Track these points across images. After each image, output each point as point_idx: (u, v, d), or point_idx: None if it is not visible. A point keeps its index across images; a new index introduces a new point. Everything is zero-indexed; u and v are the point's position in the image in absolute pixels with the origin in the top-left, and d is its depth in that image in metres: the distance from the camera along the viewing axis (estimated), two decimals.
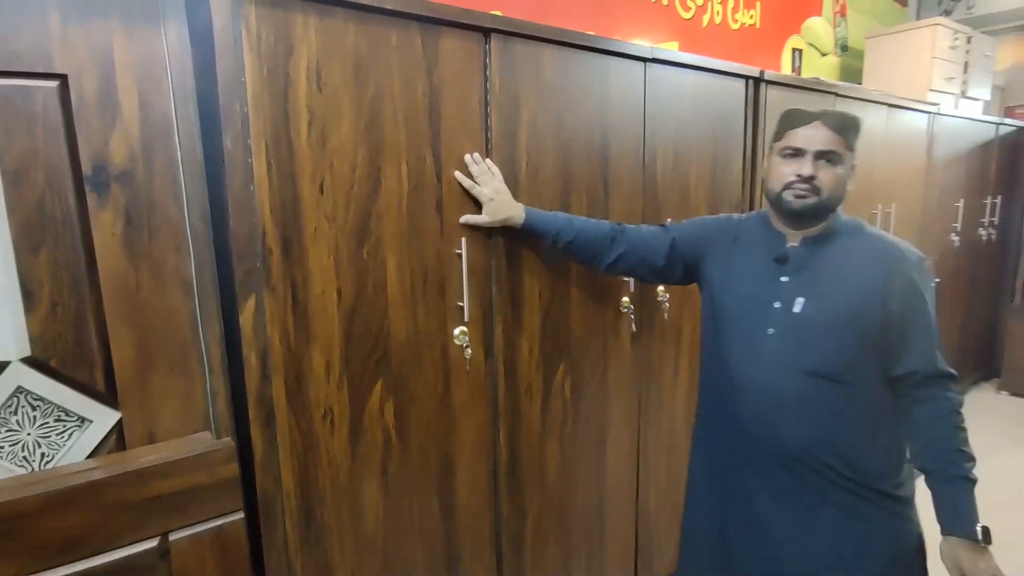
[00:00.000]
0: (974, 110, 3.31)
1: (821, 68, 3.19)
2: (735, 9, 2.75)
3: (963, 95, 3.20)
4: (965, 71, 3.15)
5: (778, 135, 1.18)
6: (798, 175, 1.13)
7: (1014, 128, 3.58)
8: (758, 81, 1.89)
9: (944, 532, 1.09)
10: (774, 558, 1.20)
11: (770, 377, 1.18)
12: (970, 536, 1.06)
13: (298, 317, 1.08)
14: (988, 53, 3.35)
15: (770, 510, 1.20)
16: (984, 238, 3.38)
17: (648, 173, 1.62)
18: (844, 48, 3.36)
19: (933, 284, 1.18)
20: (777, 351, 1.17)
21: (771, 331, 1.17)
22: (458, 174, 1.26)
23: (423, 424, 1.27)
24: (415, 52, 1.17)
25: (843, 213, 1.20)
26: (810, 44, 3.13)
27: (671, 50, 1.60)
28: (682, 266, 1.38)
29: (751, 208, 1.96)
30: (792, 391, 1.15)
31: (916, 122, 2.75)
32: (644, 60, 1.56)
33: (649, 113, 1.60)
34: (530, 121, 1.36)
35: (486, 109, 1.28)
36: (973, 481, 1.09)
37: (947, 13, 3.74)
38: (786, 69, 3.04)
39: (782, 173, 1.15)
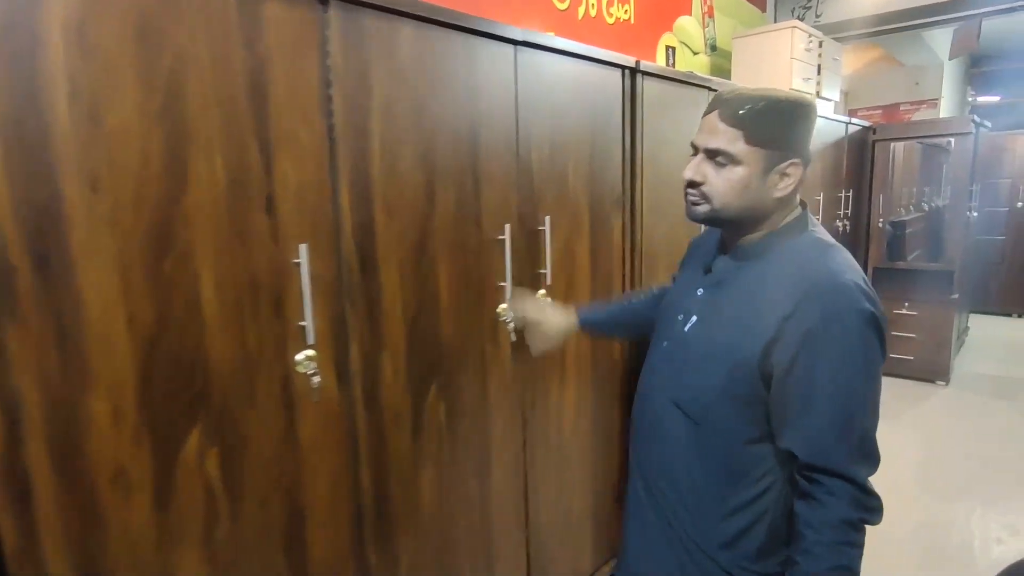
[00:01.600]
0: (827, 109, 3.53)
1: (694, 66, 3.26)
2: (610, 3, 2.71)
3: (818, 95, 3.40)
4: (819, 73, 3.35)
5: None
6: (684, 179, 0.99)
7: (860, 127, 3.89)
8: (634, 72, 1.82)
9: None
10: (627, 565, 1.17)
11: (647, 389, 1.11)
12: None
13: (65, 355, 0.82)
14: (836, 57, 3.59)
15: (635, 518, 1.14)
16: (840, 228, 3.62)
17: (523, 166, 1.49)
18: (713, 48, 3.46)
19: (870, 344, 0.87)
20: (660, 366, 1.09)
21: (665, 343, 1.09)
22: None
23: (260, 472, 1.04)
24: (227, 17, 0.93)
25: (812, 223, 0.99)
26: (682, 42, 3.18)
27: (543, 35, 1.48)
28: None
29: (631, 208, 1.89)
30: (655, 411, 1.07)
31: None
32: (515, 43, 1.42)
33: (522, 102, 1.46)
34: (384, 106, 1.16)
35: (327, 91, 1.07)
36: None
37: (800, 19, 3.99)
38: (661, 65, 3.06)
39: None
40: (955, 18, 3.91)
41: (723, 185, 0.94)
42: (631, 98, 1.83)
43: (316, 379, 1.08)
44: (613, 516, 1.98)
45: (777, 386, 0.90)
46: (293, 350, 1.06)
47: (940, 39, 5.12)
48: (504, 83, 1.41)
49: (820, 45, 3.36)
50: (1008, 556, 2.29)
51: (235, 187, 0.96)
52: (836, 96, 3.65)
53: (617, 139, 1.80)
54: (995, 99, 6.96)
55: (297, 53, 1.03)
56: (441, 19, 1.23)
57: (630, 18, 2.83)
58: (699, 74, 2.17)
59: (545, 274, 1.57)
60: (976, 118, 3.91)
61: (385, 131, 1.17)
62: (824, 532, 0.86)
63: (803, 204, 1.02)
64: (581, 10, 2.57)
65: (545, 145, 1.55)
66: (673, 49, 3.10)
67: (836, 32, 3.97)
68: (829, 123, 3.38)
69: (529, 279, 1.54)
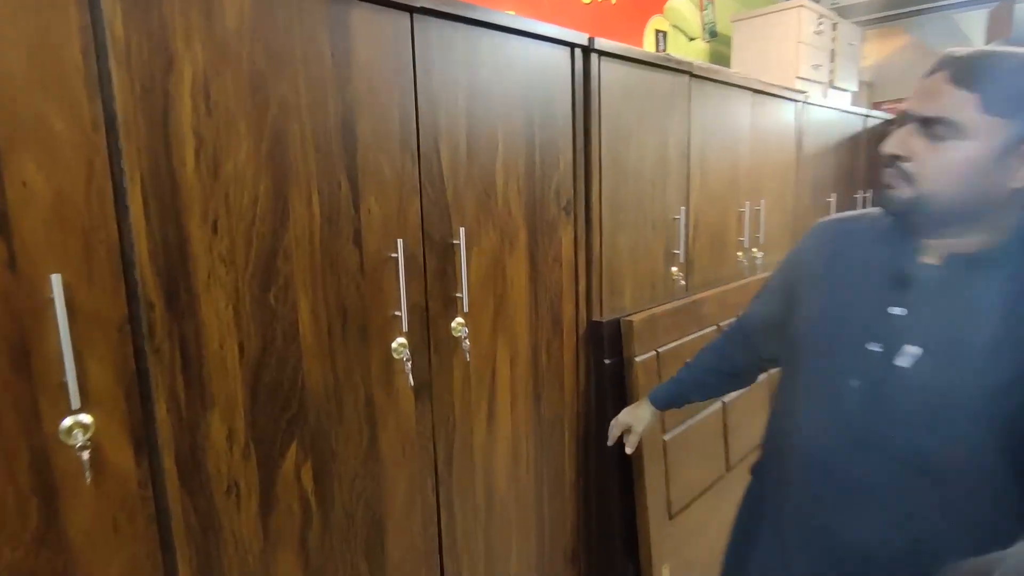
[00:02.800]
0: (843, 101, 3.15)
1: (690, 53, 2.92)
2: None
3: (831, 85, 3.03)
4: (832, 60, 2.98)
5: None
6: (884, 153, 0.76)
7: (882, 120, 3.49)
8: (587, 51, 1.51)
9: None
10: None
11: (841, 452, 0.82)
12: None
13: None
14: (854, 42, 3.21)
15: None
16: None
17: (427, 165, 1.19)
18: (713, 34, 3.11)
19: None
20: (858, 416, 0.80)
21: (855, 383, 0.81)
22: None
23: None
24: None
25: None
26: (675, 26, 2.84)
27: (455, 2, 1.18)
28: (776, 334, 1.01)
29: (586, 214, 1.58)
30: (873, 479, 0.80)
31: (784, 111, 2.51)
32: (411, 10, 1.12)
33: (424, 85, 1.16)
34: (199, 86, 0.88)
35: (106, 65, 0.79)
36: None
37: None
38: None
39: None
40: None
41: (940, 164, 0.70)
42: (584, 83, 1.52)
43: (86, 455, 0.80)
44: (566, 572, 1.67)
45: None
46: (52, 417, 0.78)
47: (975, 23, 4.65)
48: (395, 60, 1.11)
49: (835, 28, 2.99)
50: None
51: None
52: (853, 86, 3.28)
53: (566, 132, 1.49)
54: None
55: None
56: None
57: None
58: (677, 56, 1.85)
59: (461, 298, 1.27)
60: None
61: (201, 120, 0.88)
62: None
63: None
64: None
65: (460, 140, 1.25)
66: (664, 34, 2.76)
67: (855, 15, 3.58)
68: (843, 116, 3.00)
69: (441, 306, 1.25)
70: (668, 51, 2.76)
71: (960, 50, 0.71)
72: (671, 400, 1.35)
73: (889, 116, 3.62)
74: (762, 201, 2.35)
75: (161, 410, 0.87)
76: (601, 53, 1.54)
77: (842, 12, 3.35)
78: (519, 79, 1.35)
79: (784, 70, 2.69)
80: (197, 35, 0.86)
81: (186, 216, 0.87)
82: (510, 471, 1.47)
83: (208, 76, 0.87)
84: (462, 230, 1.24)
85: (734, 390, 1.35)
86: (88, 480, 0.81)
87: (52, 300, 0.75)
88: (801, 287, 0.95)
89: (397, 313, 1.15)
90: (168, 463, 0.89)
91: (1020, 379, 0.69)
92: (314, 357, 1.04)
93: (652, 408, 1.38)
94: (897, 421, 0.78)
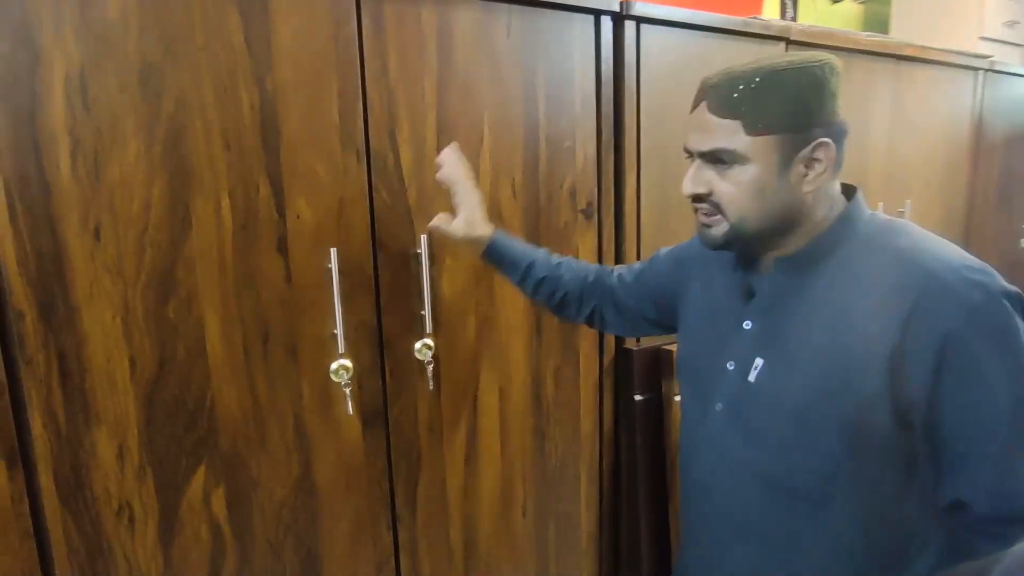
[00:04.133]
0: None
1: (832, 19, 2.38)
2: None
3: None
4: None
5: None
6: (687, 194, 0.77)
7: None
8: (619, 18, 1.23)
9: None
10: None
11: (713, 478, 0.84)
12: None
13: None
14: None
15: None
16: None
17: (379, 164, 1.03)
18: None
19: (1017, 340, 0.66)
20: (724, 438, 0.81)
21: (719, 406, 0.82)
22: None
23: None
24: None
25: (865, 212, 0.78)
26: None
27: None
28: (652, 304, 1.01)
29: (617, 212, 1.31)
30: (744, 506, 0.80)
31: (955, 84, 1.92)
32: None
33: (373, 71, 1.01)
34: (75, 73, 0.81)
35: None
36: None
37: None
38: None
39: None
40: None
41: (735, 191, 0.73)
42: (615, 58, 1.25)
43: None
44: None
45: (925, 417, 0.68)
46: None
47: None
48: (335, 43, 0.97)
49: None
50: None
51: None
52: None
53: (586, 121, 1.24)
54: None
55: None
56: None
57: None
58: (764, 19, 1.47)
59: (424, 316, 1.10)
60: None
61: (77, 119, 0.81)
62: None
63: (850, 187, 0.80)
64: None
65: (426, 134, 1.07)
66: None
67: None
68: None
69: (400, 325, 1.09)
70: (799, 19, 2.27)
71: (713, 77, 0.72)
72: (505, 251, 1.02)
73: None
74: (907, 203, 1.82)
75: (36, 424, 0.83)
76: (640, 20, 1.25)
77: None
78: (515, 59, 1.14)
79: (962, 30, 2.06)
80: (70, 27, 0.79)
81: (63, 223, 0.82)
82: (499, 517, 1.27)
83: (85, 71, 0.81)
84: (424, 238, 1.07)
85: (563, 312, 1.07)
86: None
87: None
88: (681, 298, 0.94)
89: (335, 332, 1.02)
90: (45, 480, 0.85)
91: (847, 381, 0.70)
92: (226, 377, 0.95)
93: (485, 238, 1.01)
94: (757, 441, 0.77)
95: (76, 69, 0.80)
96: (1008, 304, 0.67)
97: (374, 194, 1.04)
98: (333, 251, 0.99)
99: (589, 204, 1.27)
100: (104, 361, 0.86)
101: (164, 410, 0.91)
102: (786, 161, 0.71)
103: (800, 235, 0.76)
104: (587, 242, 1.28)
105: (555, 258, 1.06)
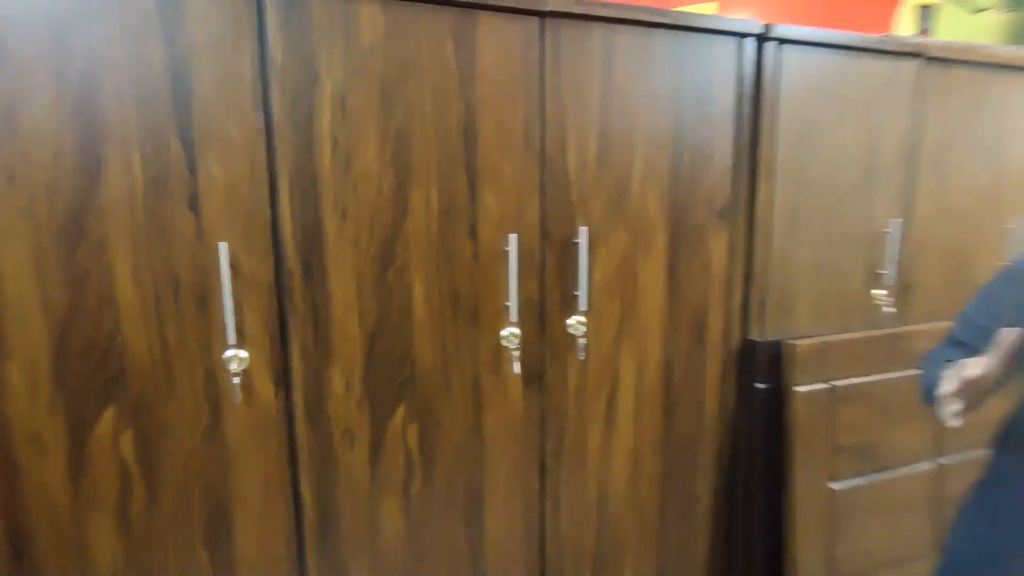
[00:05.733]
0: None
1: (972, 33, 2.34)
2: None
3: None
4: None
5: None
6: None
7: None
8: (761, 39, 1.37)
9: None
10: None
11: None
12: None
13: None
14: None
15: None
16: None
17: (551, 164, 1.23)
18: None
19: None
20: None
21: None
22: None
23: (177, 464, 1.06)
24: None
25: None
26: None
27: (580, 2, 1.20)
28: None
29: (749, 216, 1.44)
30: None
31: None
32: (540, 15, 1.18)
33: (552, 88, 1.21)
34: (337, 96, 1.07)
35: (264, 83, 1.03)
36: None
37: None
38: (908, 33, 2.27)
39: None
40: None
41: None
42: (755, 77, 1.38)
43: (236, 380, 1.06)
44: None
45: None
46: (219, 348, 1.05)
47: None
48: (523, 64, 1.18)
49: None
50: None
51: (154, 185, 0.99)
52: None
53: (724, 132, 1.38)
54: None
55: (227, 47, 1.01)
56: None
57: None
58: (902, 37, 1.54)
59: (578, 297, 1.28)
60: None
61: (338, 125, 1.07)
62: None
63: None
64: None
65: (590, 142, 1.26)
66: (928, 9, 2.27)
67: None
68: None
69: (558, 303, 1.29)
70: (939, 33, 2.26)
71: None
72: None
73: None
74: None
75: (295, 355, 1.10)
76: (782, 41, 1.38)
77: None
78: (665, 78, 1.30)
79: None
80: (337, 55, 1.05)
81: (322, 204, 1.08)
82: (629, 480, 1.43)
83: (345, 88, 1.07)
84: (584, 229, 1.26)
85: None
86: (237, 399, 1.07)
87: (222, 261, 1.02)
88: None
89: (507, 304, 1.23)
90: (297, 399, 1.12)
91: None
92: (425, 334, 1.19)
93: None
94: None
95: (339, 86, 1.06)
96: None
97: (545, 190, 1.24)
98: (513, 237, 1.20)
99: (724, 206, 1.41)
100: (342, 314, 1.12)
101: (380, 356, 1.16)
102: None
103: None
104: (720, 242, 1.42)
105: None
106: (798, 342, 1.44)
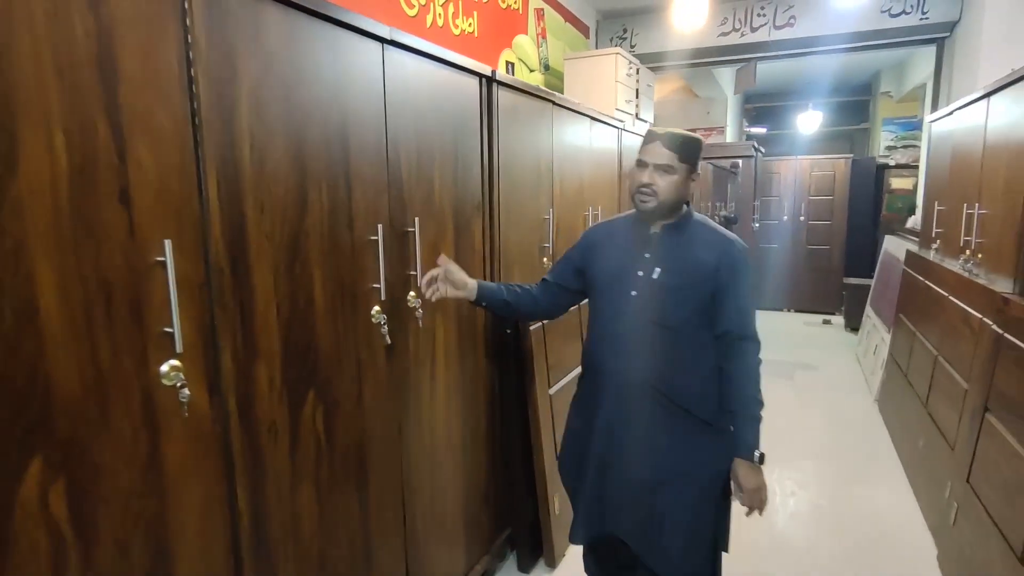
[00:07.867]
0: (643, 130, 3.95)
1: (531, 82, 3.45)
2: (455, 15, 2.77)
3: (637, 116, 3.80)
4: (637, 96, 3.75)
5: (640, 149, 1.45)
6: (640, 183, 1.44)
7: None
8: (491, 80, 1.89)
9: (734, 455, 1.45)
10: (627, 470, 1.50)
11: (628, 328, 1.49)
12: (749, 458, 1.43)
13: None
14: (650, 84, 4.05)
15: (625, 433, 1.49)
16: None
17: (393, 169, 1.47)
18: (547, 67, 3.69)
19: (749, 268, 1.50)
20: (636, 307, 1.47)
21: (633, 293, 1.48)
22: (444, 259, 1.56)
23: (114, 511, 0.89)
24: None
25: (695, 212, 1.53)
26: (520, 59, 3.35)
27: (412, 36, 1.48)
28: (574, 274, 1.64)
29: (489, 213, 1.96)
30: (643, 337, 1.47)
31: (610, 135, 3.15)
32: (383, 41, 1.40)
33: (390, 103, 1.44)
34: (252, 93, 1.08)
35: (189, 71, 0.97)
36: (759, 420, 1.44)
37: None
38: None
39: (634, 179, 1.46)
40: (737, 60, 4.65)
41: (666, 185, 1.43)
42: (487, 106, 1.90)
43: (185, 391, 0.96)
44: (482, 513, 2.01)
45: (720, 295, 1.44)
46: (155, 362, 0.93)
47: (727, 76, 6.02)
48: (372, 82, 1.38)
49: (638, 72, 3.76)
50: (801, 506, 2.75)
51: (81, 174, 0.82)
52: (651, 118, 4.12)
53: (477, 147, 1.86)
54: (763, 130, 8.34)
55: (152, 24, 0.91)
56: (309, 6, 1.18)
57: (474, 31, 2.92)
58: (543, 88, 2.32)
59: (415, 276, 1.56)
60: (756, 144, 4.66)
61: (254, 122, 1.08)
62: (750, 372, 1.44)
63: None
64: (429, 18, 2.60)
65: (412, 149, 1.54)
66: (512, 65, 3.26)
67: (647, 63, 4.47)
68: None
69: (400, 281, 1.52)
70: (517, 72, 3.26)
71: (660, 129, 1.44)
72: (491, 298, 1.62)
73: None
74: (600, 206, 2.95)
75: (226, 358, 1.05)
76: (499, 83, 1.93)
77: (641, 59, 4.19)
78: (447, 103, 1.68)
79: (606, 101, 3.35)
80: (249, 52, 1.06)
81: (244, 200, 1.06)
82: (445, 421, 1.77)
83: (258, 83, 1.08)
84: (416, 219, 1.54)
85: (539, 318, 1.97)
86: (183, 414, 0.97)
87: (162, 262, 0.92)
88: (591, 254, 1.60)
89: (376, 286, 1.41)
90: (231, 405, 1.06)
91: (700, 281, 1.43)
92: (322, 319, 1.27)
93: (474, 286, 1.60)
94: (654, 303, 1.46)
95: (254, 82, 1.07)
96: (746, 254, 1.47)
97: (392, 186, 1.46)
98: (380, 227, 1.39)
99: (479, 203, 1.88)
100: (263, 308, 1.12)
101: (293, 349, 1.19)
102: (687, 177, 1.44)
103: (678, 214, 1.48)
104: (478, 229, 1.89)
105: (516, 289, 1.66)
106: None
